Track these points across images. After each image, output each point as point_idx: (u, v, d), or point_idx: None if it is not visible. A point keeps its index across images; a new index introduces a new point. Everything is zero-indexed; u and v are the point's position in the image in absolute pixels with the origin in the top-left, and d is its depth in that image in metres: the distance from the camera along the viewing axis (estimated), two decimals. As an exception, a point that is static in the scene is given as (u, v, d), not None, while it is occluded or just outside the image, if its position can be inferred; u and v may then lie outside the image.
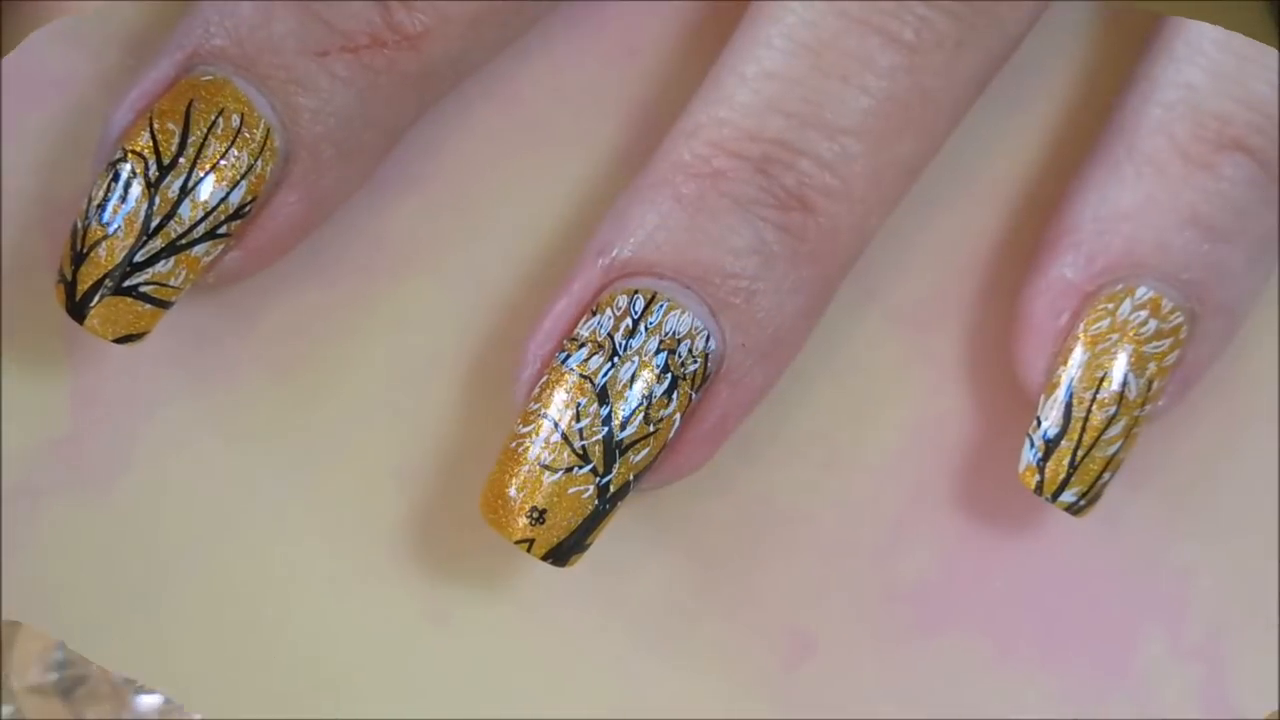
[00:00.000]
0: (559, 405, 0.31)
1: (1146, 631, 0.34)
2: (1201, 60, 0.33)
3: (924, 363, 0.35)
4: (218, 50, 0.31)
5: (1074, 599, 0.34)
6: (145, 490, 0.33)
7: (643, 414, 0.31)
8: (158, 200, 0.31)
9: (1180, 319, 0.33)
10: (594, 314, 0.32)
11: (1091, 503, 0.33)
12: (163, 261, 0.31)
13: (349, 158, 0.32)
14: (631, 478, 0.31)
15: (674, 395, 0.31)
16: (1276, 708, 0.34)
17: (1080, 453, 0.33)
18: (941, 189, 0.35)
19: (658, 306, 0.31)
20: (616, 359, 0.31)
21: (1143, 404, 0.33)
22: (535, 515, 0.31)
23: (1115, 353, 0.33)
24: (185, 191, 0.31)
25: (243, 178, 0.31)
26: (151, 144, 0.31)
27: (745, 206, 0.32)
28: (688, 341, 0.31)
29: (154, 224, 0.31)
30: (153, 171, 0.31)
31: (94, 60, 0.34)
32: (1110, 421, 0.32)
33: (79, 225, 0.31)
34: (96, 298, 0.31)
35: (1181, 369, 0.33)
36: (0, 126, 0.34)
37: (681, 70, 0.35)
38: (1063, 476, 0.33)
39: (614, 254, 0.32)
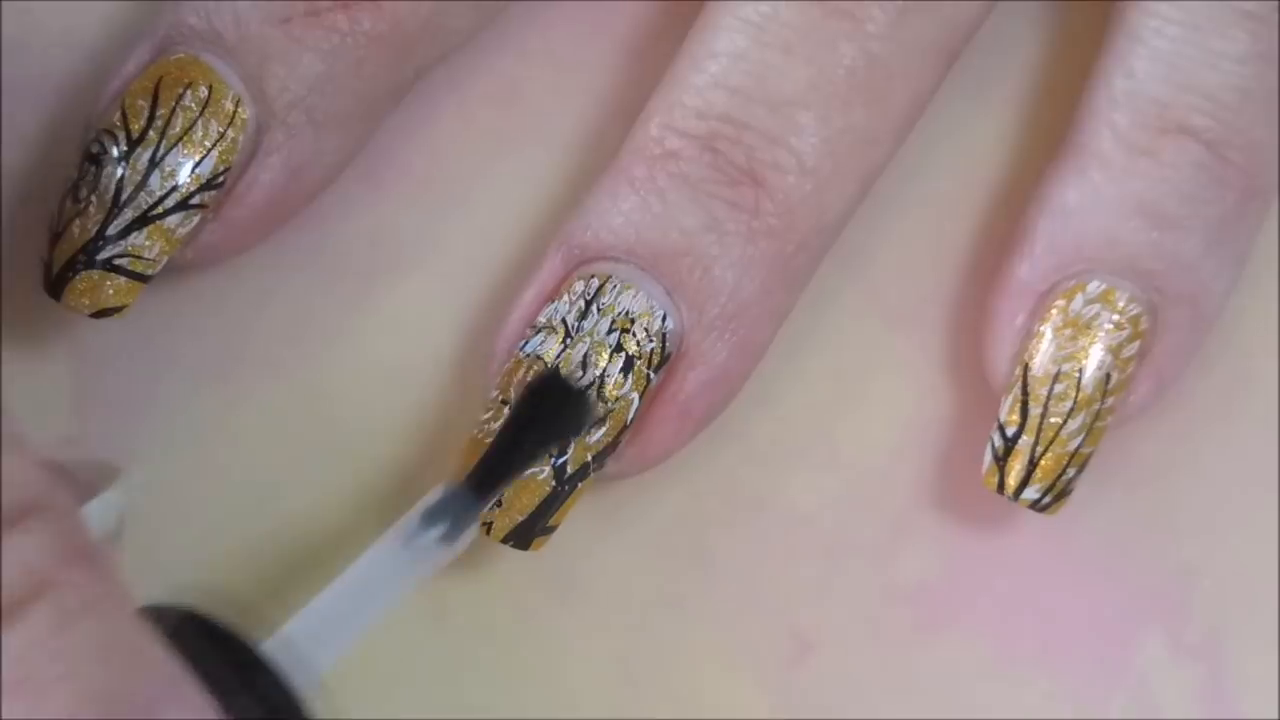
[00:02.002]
0: (515, 390, 0.31)
1: (1146, 631, 0.34)
2: (1141, 49, 0.33)
3: (924, 363, 0.35)
4: (188, 30, 0.32)
5: (1074, 599, 0.34)
6: (145, 490, 0.33)
7: (597, 394, 0.31)
8: (127, 172, 0.31)
9: (1137, 309, 0.33)
10: (552, 301, 0.32)
11: (1059, 499, 0.33)
12: (136, 233, 0.31)
13: (324, 126, 0.32)
14: (590, 459, 0.31)
15: (629, 376, 0.31)
16: (1277, 708, 0.34)
17: (1039, 449, 0.33)
18: (941, 189, 0.35)
19: (610, 288, 0.32)
20: (569, 340, 0.31)
21: (1102, 397, 0.32)
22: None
23: (1070, 348, 0.33)
24: (154, 163, 0.31)
25: (213, 147, 0.31)
26: (121, 120, 0.31)
27: (695, 185, 0.32)
28: (643, 321, 0.31)
29: (124, 195, 0.31)
30: (122, 146, 0.31)
31: (94, 60, 0.34)
32: (1068, 416, 0.32)
33: (54, 208, 0.31)
34: (72, 273, 0.31)
35: (1151, 361, 0.33)
36: (0, 127, 0.34)
37: (681, 70, 0.34)
38: (1023, 475, 0.33)
39: (572, 241, 0.32)
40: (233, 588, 0.33)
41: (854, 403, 0.35)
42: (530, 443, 0.29)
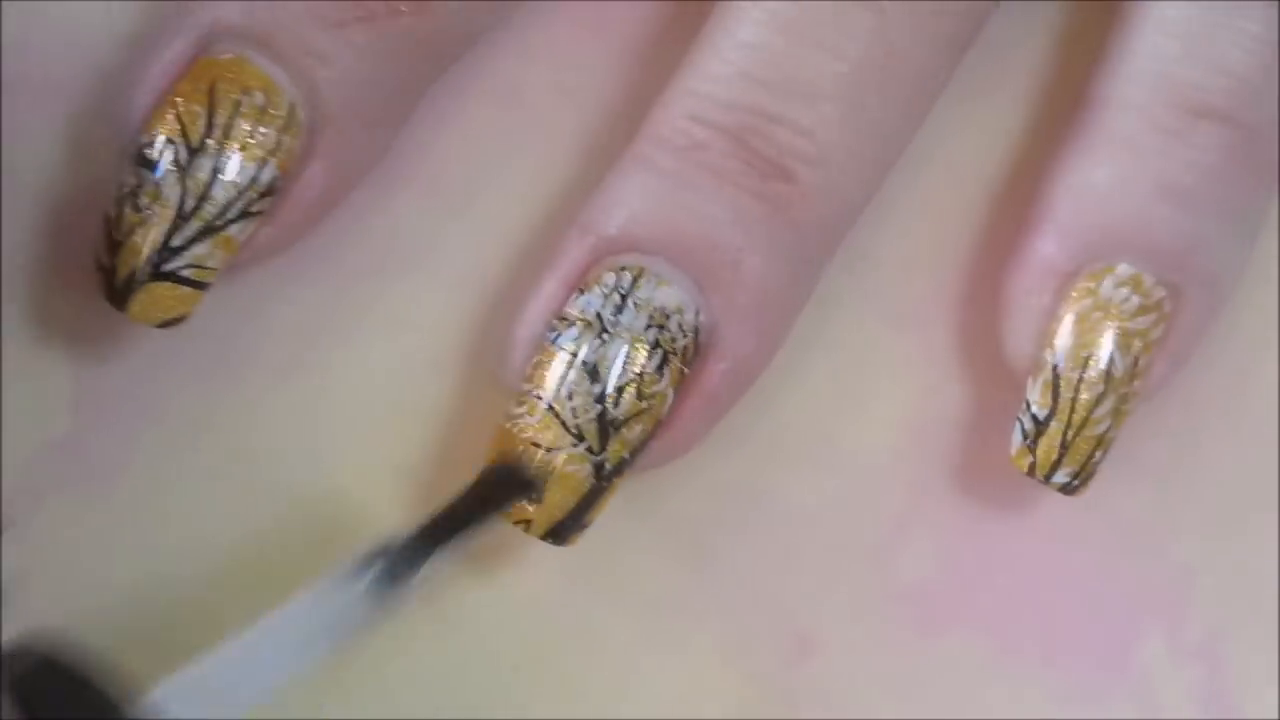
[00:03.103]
0: (551, 384, 0.31)
1: (1146, 631, 0.34)
2: (1169, 28, 0.33)
3: (924, 363, 0.35)
4: (234, 27, 0.31)
5: (1074, 598, 0.34)
6: (145, 490, 0.33)
7: (634, 390, 0.31)
8: (190, 184, 0.31)
9: (1163, 293, 0.33)
10: (582, 292, 0.32)
11: (1085, 482, 0.33)
12: (200, 244, 0.31)
13: (371, 126, 0.32)
14: (627, 454, 0.31)
15: (665, 370, 0.31)
16: (1277, 708, 0.34)
17: (1071, 433, 0.32)
18: (941, 188, 0.35)
19: (645, 282, 0.32)
20: (606, 335, 0.31)
21: (1130, 380, 0.33)
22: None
23: (1100, 331, 0.33)
24: (216, 173, 0.31)
25: (271, 155, 0.31)
26: (179, 127, 0.31)
27: (726, 177, 0.32)
28: (676, 316, 0.32)
29: (188, 207, 0.31)
30: (183, 155, 0.31)
31: (94, 60, 0.34)
32: (1098, 400, 0.32)
33: (112, 213, 0.31)
34: (137, 284, 0.31)
35: (1169, 342, 0.33)
36: (0, 127, 0.34)
37: (682, 70, 0.35)
38: (1054, 457, 0.33)
39: (598, 231, 0.32)
40: (233, 587, 0.33)
41: (854, 403, 0.35)
42: (479, 511, 0.29)
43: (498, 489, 0.30)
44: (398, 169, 0.34)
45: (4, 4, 0.34)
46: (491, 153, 0.35)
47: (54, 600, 0.33)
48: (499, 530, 0.31)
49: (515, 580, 0.34)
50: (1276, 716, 0.34)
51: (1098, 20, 0.35)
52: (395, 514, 0.34)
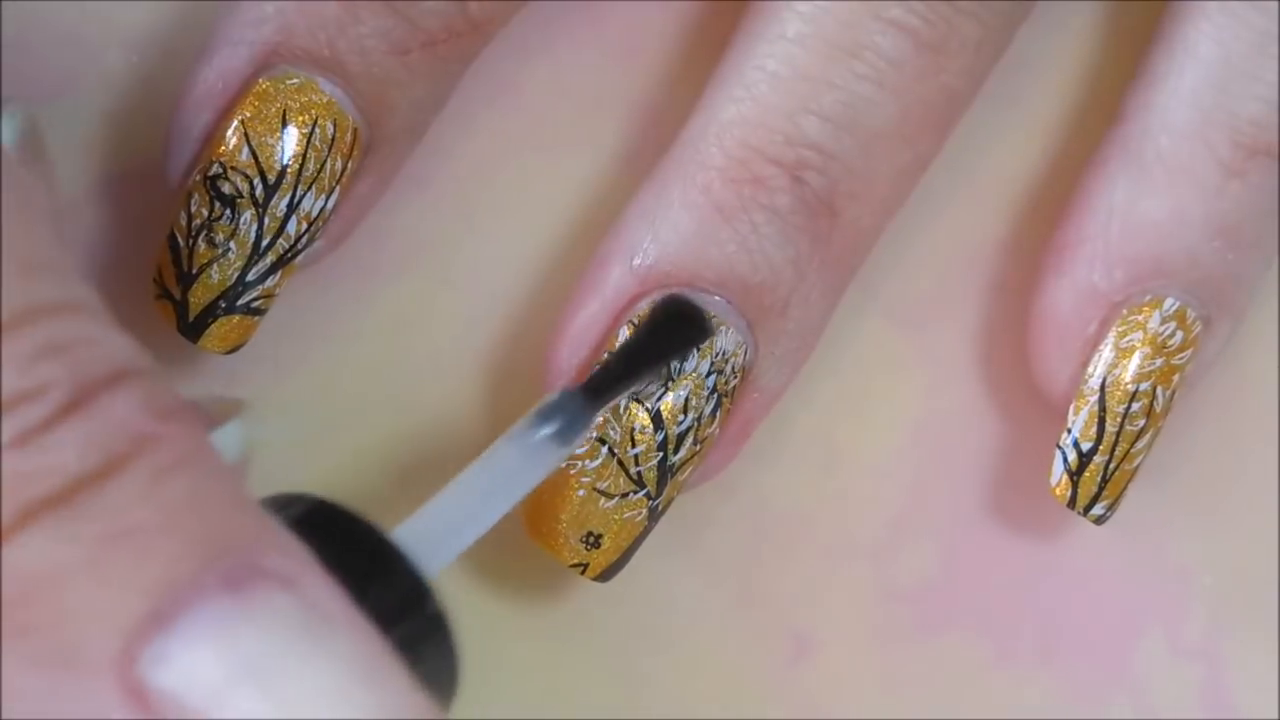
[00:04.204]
0: (613, 431, 0.31)
1: (1146, 631, 0.34)
2: (1230, 59, 0.33)
3: (924, 363, 0.35)
4: (301, 50, 0.31)
5: (1074, 599, 0.34)
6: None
7: (692, 436, 0.31)
8: (267, 220, 0.31)
9: (1200, 329, 0.33)
10: (624, 316, 0.31)
11: (1114, 512, 0.33)
12: (271, 277, 0.31)
13: (414, 135, 0.33)
14: (676, 494, 0.32)
15: (718, 413, 0.31)
16: (1277, 708, 0.34)
17: (1113, 466, 0.32)
18: (942, 188, 0.35)
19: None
20: (671, 382, 0.31)
21: (1166, 414, 0.33)
22: (591, 540, 0.31)
23: (1147, 366, 0.32)
24: (291, 208, 0.31)
25: (338, 182, 0.31)
26: (253, 161, 0.31)
27: (784, 218, 0.31)
28: (733, 360, 0.31)
29: (265, 243, 0.31)
30: (259, 191, 0.31)
31: (94, 60, 0.34)
32: (1140, 434, 0.32)
33: (183, 244, 0.31)
34: (213, 318, 0.31)
35: (1192, 370, 0.33)
36: (0, 126, 0.33)
37: (683, 70, 0.35)
38: (1095, 490, 0.33)
39: (651, 260, 0.31)
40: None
41: (854, 403, 0.35)
42: (652, 357, 0.29)
43: (675, 330, 0.29)
44: (399, 170, 0.34)
45: (4, 4, 0.34)
46: (491, 153, 0.35)
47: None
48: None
49: (514, 581, 0.34)
50: (1276, 717, 0.34)
51: (1113, 27, 0.35)
52: (395, 514, 0.33)
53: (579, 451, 0.31)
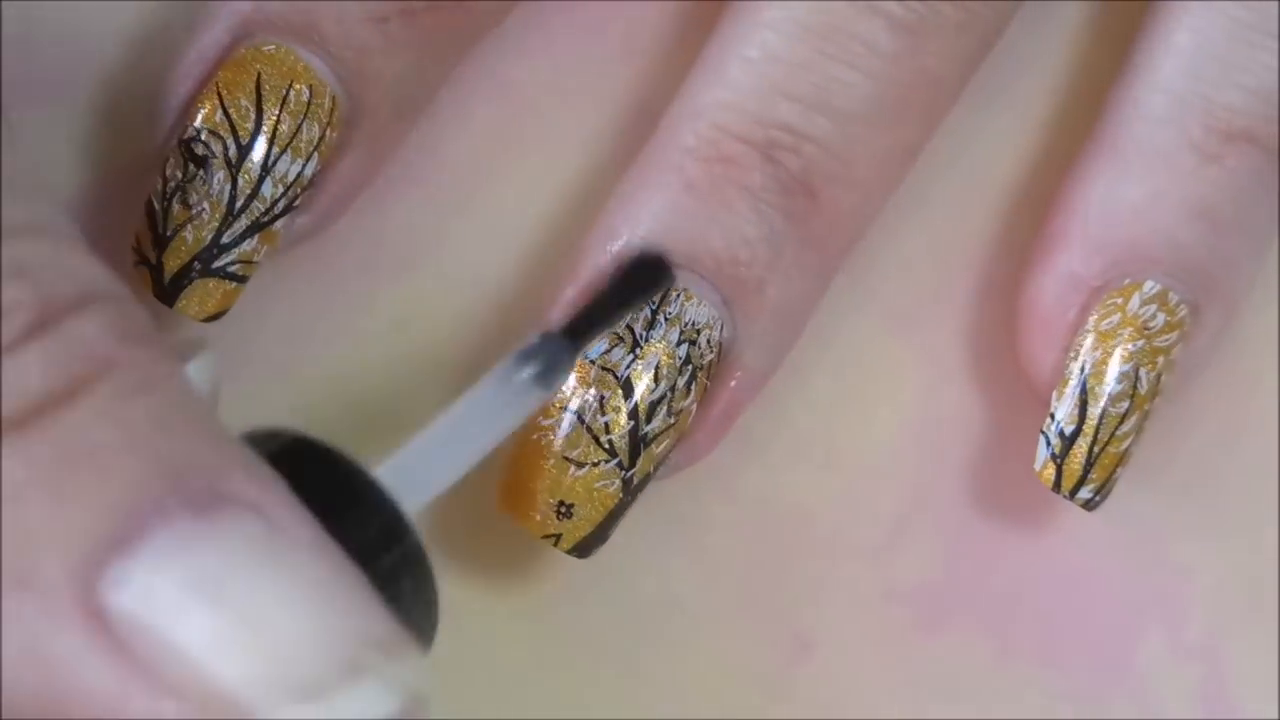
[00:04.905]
0: (583, 399, 0.31)
1: (1146, 631, 0.34)
2: (1207, 47, 0.33)
3: (924, 363, 0.35)
4: (278, 18, 0.31)
5: (1074, 599, 0.34)
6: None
7: (665, 406, 0.31)
8: (240, 181, 0.31)
9: (1185, 311, 0.33)
10: None
11: (1105, 497, 0.33)
12: (247, 240, 0.31)
13: (403, 115, 0.33)
14: (653, 469, 0.31)
15: (693, 386, 0.31)
16: (1277, 708, 0.34)
17: (1096, 448, 0.33)
18: (941, 188, 0.35)
19: (675, 297, 0.31)
20: (639, 350, 0.31)
21: (1153, 397, 0.33)
22: (563, 510, 0.31)
23: (1127, 347, 0.33)
24: (266, 170, 0.31)
25: (315, 148, 0.31)
26: (227, 122, 0.31)
27: (756, 195, 0.32)
28: (706, 332, 0.31)
29: (239, 204, 0.31)
30: (231, 151, 0.31)
31: (94, 60, 0.34)
32: (1125, 416, 0.32)
33: (158, 207, 0.31)
34: (186, 281, 0.31)
35: (1183, 359, 0.33)
36: (0, 126, 0.33)
37: (682, 70, 0.34)
38: (1080, 473, 0.33)
39: (624, 240, 0.32)
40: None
41: (854, 403, 0.35)
42: (624, 302, 0.29)
43: (639, 278, 0.29)
44: (399, 168, 0.34)
45: (4, 4, 0.34)
46: (491, 153, 0.35)
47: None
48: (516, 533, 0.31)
49: (515, 581, 0.34)
50: (1276, 717, 0.34)
51: (1105, 25, 0.35)
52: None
53: (545, 421, 0.31)
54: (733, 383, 0.32)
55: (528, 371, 0.27)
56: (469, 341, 0.34)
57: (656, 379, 0.31)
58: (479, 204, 0.35)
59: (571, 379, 0.31)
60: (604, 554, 0.34)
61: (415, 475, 0.26)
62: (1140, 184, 0.33)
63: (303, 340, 0.34)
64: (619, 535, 0.34)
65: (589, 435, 0.31)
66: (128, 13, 0.34)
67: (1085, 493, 0.33)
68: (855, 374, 0.35)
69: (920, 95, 0.33)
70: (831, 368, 0.35)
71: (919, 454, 0.34)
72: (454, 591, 0.33)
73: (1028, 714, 0.34)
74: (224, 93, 0.31)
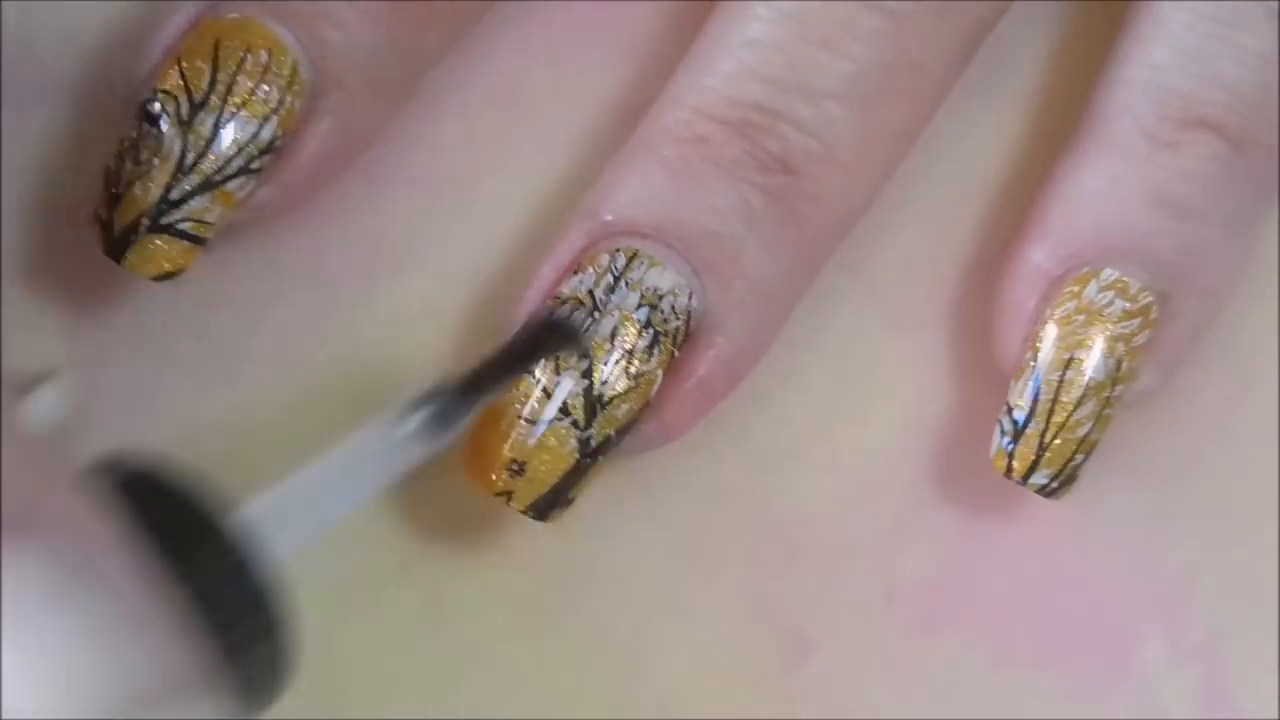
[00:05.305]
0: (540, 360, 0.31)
1: (1146, 631, 0.34)
2: (1168, 40, 0.33)
3: (924, 363, 0.35)
4: None
5: (1074, 599, 0.34)
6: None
7: (623, 368, 0.31)
8: (191, 137, 0.31)
9: (1149, 299, 0.33)
10: (577, 273, 0.32)
11: (1066, 484, 0.33)
12: (199, 198, 0.31)
13: (377, 91, 0.33)
14: (613, 433, 0.31)
15: (655, 351, 0.32)
16: (1277, 708, 0.34)
17: (1050, 435, 0.33)
18: (941, 188, 0.35)
19: (639, 263, 0.32)
20: (597, 313, 0.31)
21: (1113, 385, 0.33)
22: (515, 468, 0.31)
23: (1082, 334, 0.33)
24: (218, 128, 0.31)
25: (273, 113, 0.31)
26: (181, 83, 0.31)
27: (727, 167, 0.32)
28: (670, 298, 0.32)
29: (188, 161, 0.31)
30: (184, 109, 0.31)
31: (94, 60, 0.34)
32: (1079, 403, 0.33)
33: (112, 165, 0.31)
34: (135, 236, 0.31)
35: (1158, 350, 0.33)
36: (0, 126, 0.34)
37: (681, 70, 0.35)
38: (1032, 459, 0.33)
39: (595, 216, 0.32)
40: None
41: (854, 403, 0.35)
42: (524, 361, 0.30)
43: (543, 338, 0.30)
44: (398, 168, 0.34)
45: (4, 4, 0.34)
46: (491, 152, 0.35)
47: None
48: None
49: (515, 580, 0.34)
50: (1276, 717, 0.34)
51: (1106, 24, 0.35)
52: (394, 514, 0.34)
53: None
54: (712, 354, 0.32)
55: (413, 422, 0.27)
56: (469, 341, 0.34)
57: (613, 341, 0.31)
58: (478, 204, 0.35)
59: None
60: (604, 553, 0.34)
61: (287, 516, 0.26)
62: (1096, 173, 0.33)
63: (302, 340, 0.34)
64: (618, 535, 0.34)
65: (542, 393, 0.31)
66: (128, 13, 0.34)
67: (1039, 479, 0.33)
68: (855, 374, 0.35)
69: (902, 78, 0.33)
70: (831, 368, 0.35)
71: (919, 454, 0.35)
72: (454, 591, 0.34)
73: (1027, 714, 0.34)
74: (183, 58, 0.31)
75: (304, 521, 0.26)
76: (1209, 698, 0.34)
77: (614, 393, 0.31)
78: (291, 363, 0.34)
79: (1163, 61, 0.33)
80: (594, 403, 0.31)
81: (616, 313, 0.32)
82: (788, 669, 0.34)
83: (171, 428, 0.33)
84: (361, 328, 0.34)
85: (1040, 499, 0.34)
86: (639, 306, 0.32)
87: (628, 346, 0.32)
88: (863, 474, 0.34)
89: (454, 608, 0.34)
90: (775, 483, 0.34)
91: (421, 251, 0.34)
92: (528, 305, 0.32)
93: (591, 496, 0.33)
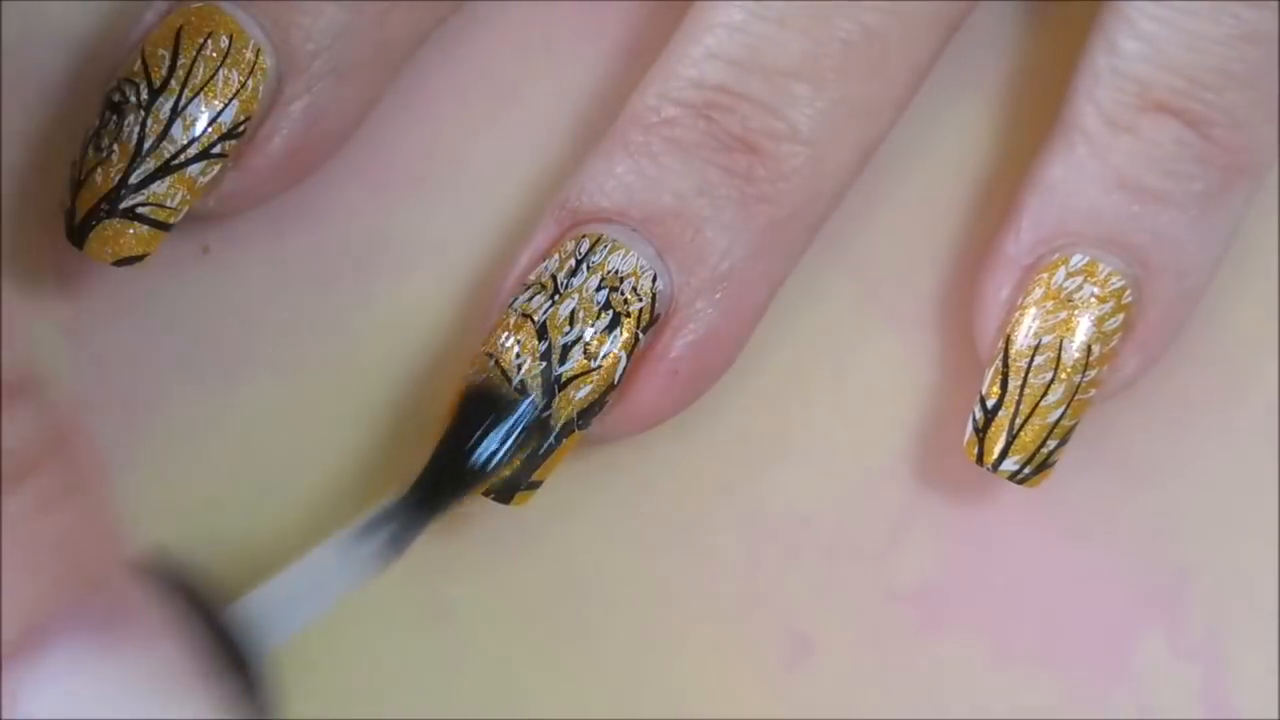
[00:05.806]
0: (500, 343, 0.32)
1: (1146, 631, 0.34)
2: (1126, 29, 0.33)
3: (924, 363, 0.35)
4: None
5: (1074, 599, 0.34)
6: (143, 490, 0.33)
7: (581, 349, 0.31)
8: (150, 122, 0.31)
9: (1120, 283, 0.33)
10: (543, 260, 0.32)
11: (1039, 471, 0.33)
12: (158, 182, 0.31)
13: (346, 76, 0.33)
14: (575, 415, 0.32)
15: (616, 333, 0.32)
16: (1276, 708, 0.34)
17: (1019, 420, 0.33)
18: (941, 187, 0.35)
19: (601, 247, 0.32)
20: (557, 296, 0.32)
21: (1084, 369, 0.33)
22: None
23: (1050, 320, 0.33)
24: (176, 112, 0.31)
25: (234, 96, 0.31)
26: (142, 69, 0.31)
27: (689, 150, 0.32)
28: (631, 280, 0.32)
29: (147, 145, 0.31)
30: (144, 95, 0.31)
31: (94, 59, 0.34)
32: (1047, 388, 0.33)
33: (77, 156, 0.32)
34: (95, 221, 0.31)
35: (1135, 334, 0.33)
36: (0, 126, 0.34)
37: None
38: (1001, 445, 0.33)
39: (566, 204, 0.32)
40: (232, 587, 0.33)
41: (854, 403, 0.35)
42: (470, 452, 0.31)
43: (475, 410, 0.31)
44: (398, 167, 0.34)
45: (3, 4, 0.34)
46: (491, 152, 0.35)
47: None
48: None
49: (515, 580, 0.34)
50: (1276, 716, 0.34)
51: (1093, 10, 0.35)
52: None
53: (470, 370, 0.32)
54: (681, 339, 0.32)
55: (372, 544, 0.30)
56: (468, 341, 0.34)
57: (572, 322, 0.31)
58: (478, 204, 0.35)
59: (492, 322, 0.32)
60: (603, 553, 0.34)
61: (262, 618, 0.29)
62: (1062, 162, 0.33)
63: (303, 340, 0.34)
64: (618, 535, 0.34)
65: (499, 372, 0.31)
66: (128, 13, 0.34)
67: (1010, 465, 0.33)
68: (856, 375, 0.35)
69: (867, 54, 0.33)
70: (832, 369, 0.35)
71: (919, 454, 0.35)
72: (453, 591, 0.34)
73: (1027, 714, 0.34)
74: (146, 47, 0.32)
75: (274, 626, 0.29)
76: (1208, 698, 0.34)
77: (573, 374, 0.31)
78: (291, 363, 0.34)
79: (1122, 49, 0.33)
80: (552, 384, 0.31)
81: (576, 296, 0.32)
82: (787, 668, 0.34)
83: (172, 428, 0.33)
84: (361, 328, 0.34)
85: (1041, 499, 0.34)
86: (599, 289, 0.32)
87: (586, 327, 0.32)
88: (862, 474, 0.34)
89: (454, 608, 0.34)
90: (775, 483, 0.34)
91: (420, 250, 0.34)
92: (504, 293, 0.32)
93: (592, 497, 0.33)
